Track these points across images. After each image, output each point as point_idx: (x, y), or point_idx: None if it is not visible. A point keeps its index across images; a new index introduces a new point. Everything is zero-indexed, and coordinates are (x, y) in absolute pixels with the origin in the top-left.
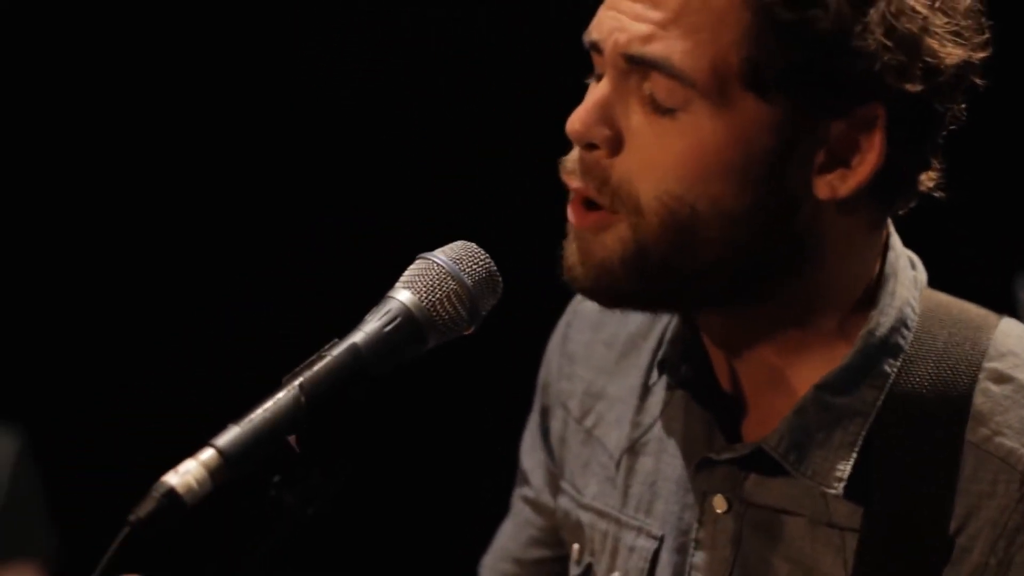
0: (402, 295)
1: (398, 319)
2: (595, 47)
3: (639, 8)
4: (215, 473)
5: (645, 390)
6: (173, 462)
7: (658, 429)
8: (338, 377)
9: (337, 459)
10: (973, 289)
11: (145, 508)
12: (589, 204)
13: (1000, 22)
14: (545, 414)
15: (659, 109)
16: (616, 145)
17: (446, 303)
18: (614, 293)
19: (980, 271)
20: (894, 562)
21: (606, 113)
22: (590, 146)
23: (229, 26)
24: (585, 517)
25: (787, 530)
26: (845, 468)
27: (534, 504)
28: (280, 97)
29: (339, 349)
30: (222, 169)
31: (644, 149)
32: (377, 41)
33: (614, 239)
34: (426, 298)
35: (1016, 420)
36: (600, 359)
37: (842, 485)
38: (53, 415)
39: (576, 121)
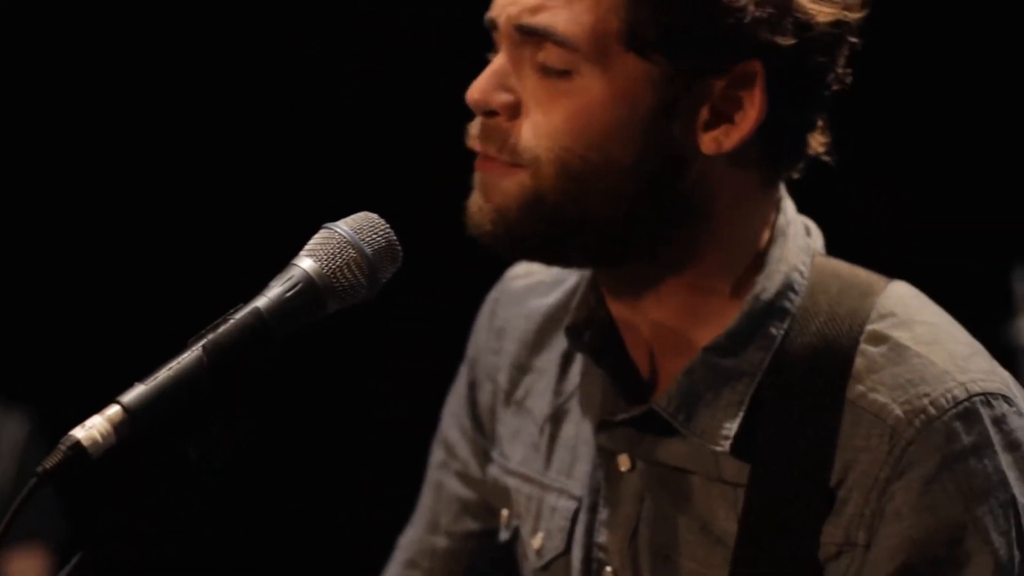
0: (304, 263)
1: (299, 285)
2: (492, 24)
3: None
4: (119, 427)
5: (566, 359)
6: None
7: (578, 395)
8: (240, 338)
9: (238, 414)
10: (972, 283)
11: (52, 460)
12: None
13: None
14: (473, 387)
15: (550, 73)
16: (514, 109)
17: (346, 270)
18: (509, 237)
19: (980, 265)
20: (778, 515)
21: (503, 81)
22: (490, 113)
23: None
24: (511, 482)
25: (685, 487)
26: (732, 427)
27: (462, 476)
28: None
29: (242, 312)
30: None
31: (539, 111)
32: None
33: (514, 184)
34: (327, 265)
35: (889, 377)
36: (524, 333)
37: (728, 443)
38: (63, 398)
39: (475, 90)
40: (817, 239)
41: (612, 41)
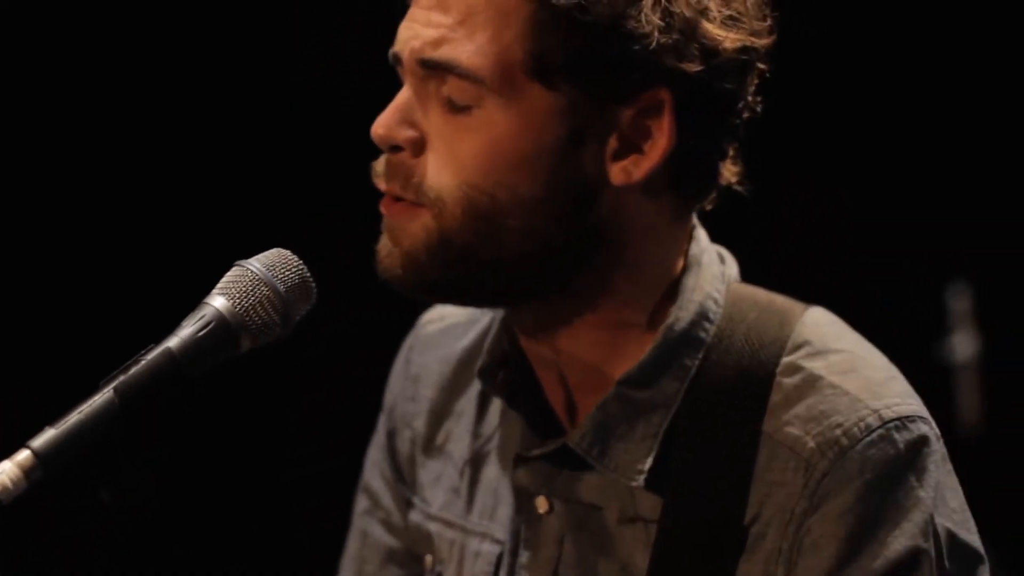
0: (217, 301)
1: (212, 324)
2: (396, 59)
3: (430, 15)
4: (29, 472)
5: (482, 401)
6: None
7: (497, 437)
8: (152, 379)
9: (152, 456)
10: (905, 301)
11: None
12: (398, 200)
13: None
14: (392, 436)
15: (456, 108)
16: (419, 145)
17: (259, 308)
18: (421, 282)
19: (914, 282)
20: (690, 553)
21: (407, 116)
22: (395, 148)
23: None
24: (433, 527)
25: (603, 526)
26: (647, 461)
27: (386, 524)
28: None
29: (153, 353)
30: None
31: (444, 146)
32: None
33: (419, 227)
34: (239, 303)
35: (803, 409)
36: (440, 377)
37: (643, 477)
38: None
39: (380, 126)
40: (732, 267)
41: (517, 72)
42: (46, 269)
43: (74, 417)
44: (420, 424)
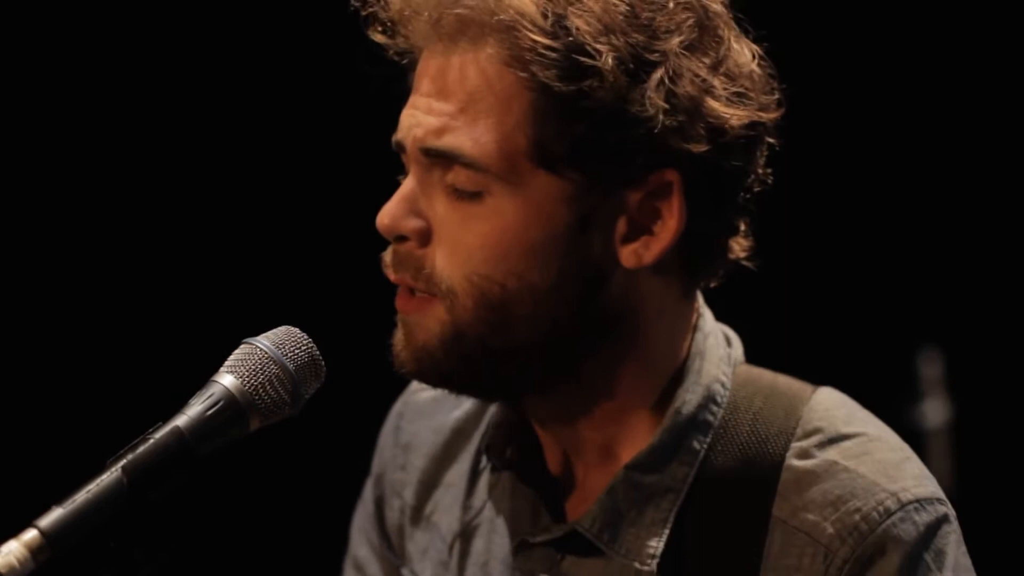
0: (225, 379)
1: (220, 402)
2: (399, 147)
3: (432, 103)
4: (36, 552)
5: (474, 474)
6: None
7: (488, 511)
8: (160, 459)
9: (159, 539)
10: (876, 366)
11: None
12: (412, 292)
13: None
14: (380, 504)
15: (461, 196)
16: (425, 235)
17: (268, 387)
18: (437, 374)
19: (885, 348)
20: None
21: (412, 206)
22: (401, 238)
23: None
24: None
25: None
26: (658, 545)
27: None
28: None
29: (161, 432)
30: None
31: (451, 236)
32: None
33: (433, 321)
34: (248, 382)
35: (819, 494)
36: (431, 447)
37: (655, 562)
38: None
39: (385, 216)
40: (737, 348)
41: (521, 159)
42: (49, 340)
43: (81, 496)
44: (409, 494)
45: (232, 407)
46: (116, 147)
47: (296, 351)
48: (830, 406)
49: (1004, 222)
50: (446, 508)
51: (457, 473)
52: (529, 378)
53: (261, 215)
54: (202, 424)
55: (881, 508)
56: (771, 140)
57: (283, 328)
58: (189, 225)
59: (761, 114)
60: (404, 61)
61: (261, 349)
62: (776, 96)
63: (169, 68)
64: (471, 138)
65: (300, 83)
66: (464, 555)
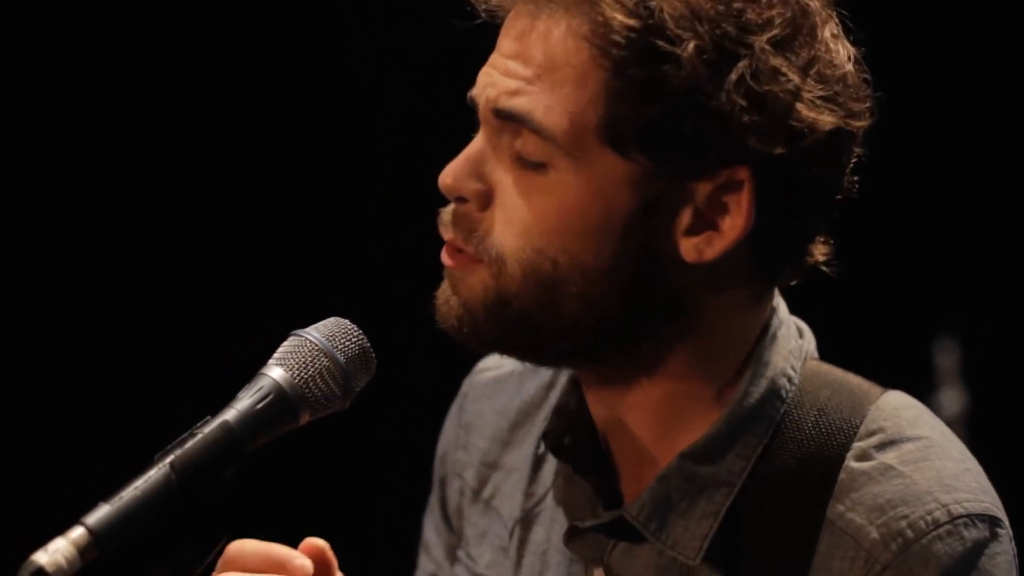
0: (275, 372)
1: (270, 396)
2: (473, 103)
3: (510, 64)
4: (84, 551)
5: (538, 460)
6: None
7: (550, 499)
8: (209, 454)
9: (209, 534)
10: (892, 357)
11: None
12: (459, 251)
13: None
14: (443, 485)
15: (526, 165)
16: (485, 199)
17: (319, 380)
18: (476, 336)
19: (900, 339)
20: None
21: (477, 168)
22: (461, 199)
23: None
24: None
25: None
26: (705, 539)
27: None
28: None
29: (210, 426)
30: None
31: (510, 204)
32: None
33: (478, 282)
34: (298, 375)
35: (869, 497)
36: (494, 428)
37: (700, 556)
38: None
39: (447, 175)
40: (809, 342)
41: (590, 136)
42: (89, 340)
43: (129, 493)
44: (470, 475)
45: (282, 400)
46: (155, 136)
47: (347, 343)
48: (898, 406)
49: (1022, 211)
50: (507, 493)
51: (519, 457)
52: (576, 355)
53: (303, 205)
54: (251, 418)
55: (929, 518)
56: (858, 150)
57: (333, 319)
58: (232, 213)
59: (849, 121)
60: (495, 19)
61: (311, 341)
62: (868, 104)
63: (199, 57)
64: (544, 105)
65: (338, 62)
66: (523, 542)
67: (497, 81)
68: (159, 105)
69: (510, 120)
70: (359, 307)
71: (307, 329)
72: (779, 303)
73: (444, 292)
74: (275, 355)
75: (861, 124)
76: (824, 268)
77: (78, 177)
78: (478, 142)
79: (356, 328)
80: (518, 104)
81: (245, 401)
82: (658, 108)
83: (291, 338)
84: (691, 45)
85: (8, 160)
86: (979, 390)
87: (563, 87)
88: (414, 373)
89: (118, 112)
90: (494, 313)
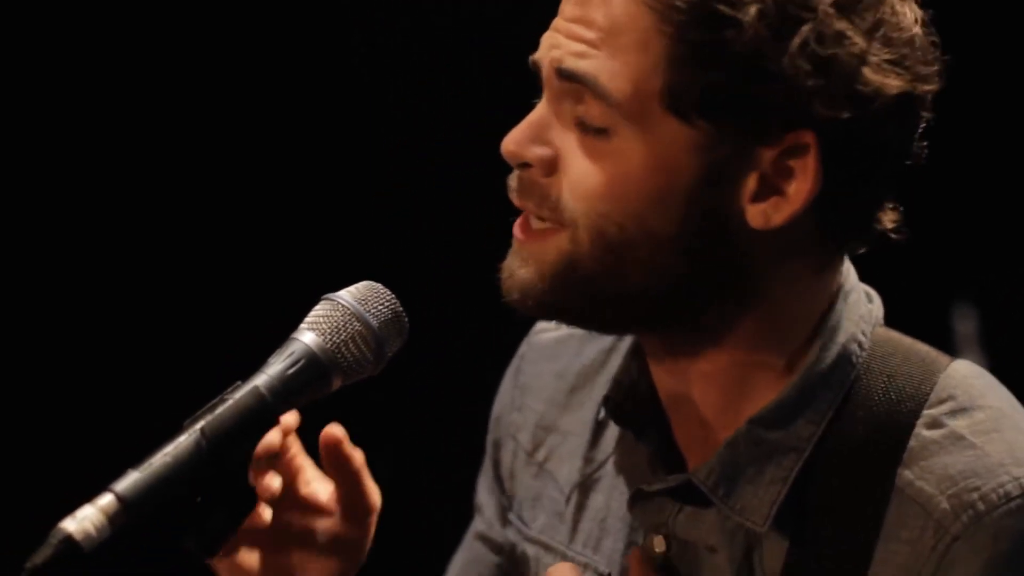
0: (306, 337)
1: (301, 361)
2: (535, 66)
3: (575, 28)
4: (114, 518)
5: (598, 425)
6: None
7: (610, 466)
8: (240, 420)
9: (240, 502)
10: (910, 323)
11: (42, 555)
12: (530, 227)
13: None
14: (497, 447)
15: (590, 131)
16: (550, 164)
17: (351, 344)
18: (544, 306)
19: (919, 303)
20: None
21: (540, 134)
22: (524, 165)
23: None
24: (531, 550)
25: (717, 570)
26: (774, 505)
27: (485, 539)
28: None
29: (241, 392)
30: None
31: (575, 170)
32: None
33: (552, 247)
34: (330, 340)
35: (939, 466)
36: (552, 391)
37: (768, 523)
38: None
39: (510, 142)
40: (878, 308)
41: (653, 102)
42: (114, 312)
43: (159, 459)
44: (525, 437)
45: (314, 366)
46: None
47: (379, 307)
48: (968, 375)
49: None
50: (564, 457)
51: (577, 422)
52: (642, 322)
53: (333, 174)
54: (283, 384)
55: (1001, 491)
56: (926, 114)
57: (365, 283)
58: (266, 182)
59: (917, 85)
60: None
61: (343, 305)
62: (936, 67)
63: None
64: (608, 70)
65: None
66: (581, 508)
67: (561, 43)
68: (159, 103)
69: (574, 81)
70: (391, 272)
71: (339, 293)
72: (849, 269)
73: (509, 266)
74: (307, 319)
75: (930, 88)
76: (893, 235)
77: (89, 161)
78: (540, 108)
79: (389, 292)
80: (583, 66)
81: (276, 366)
82: (720, 74)
83: (323, 302)
84: (753, 9)
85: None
86: (998, 356)
87: (626, 53)
88: (447, 338)
89: (119, 112)
90: (562, 277)
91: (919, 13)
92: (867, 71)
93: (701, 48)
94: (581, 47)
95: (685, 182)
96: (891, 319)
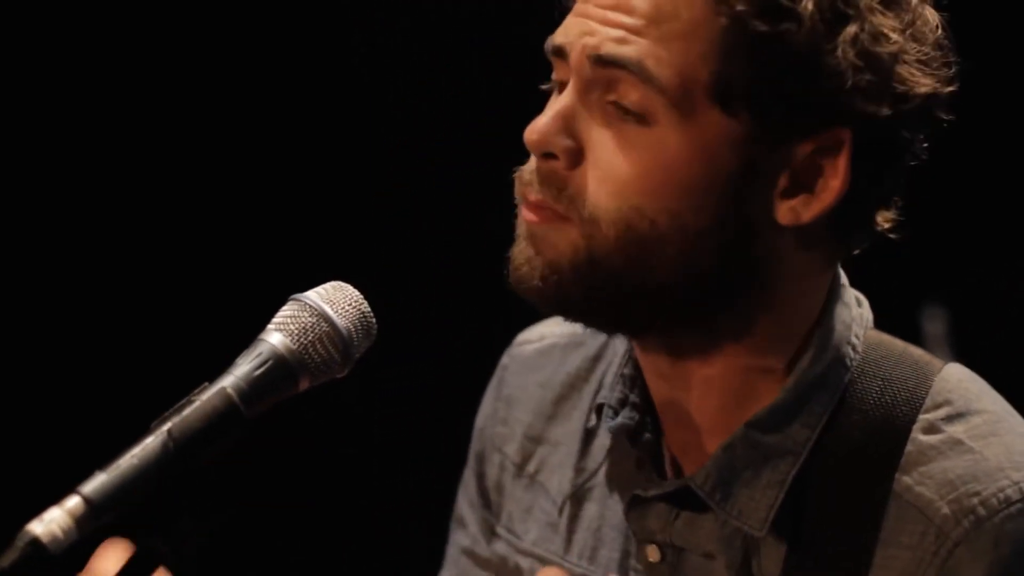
0: (274, 338)
1: (269, 362)
2: (559, 52)
3: (611, 14)
4: (81, 521)
5: (588, 434)
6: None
7: (602, 475)
8: (207, 421)
9: (209, 503)
10: (879, 323)
11: (8, 558)
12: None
13: None
14: (480, 460)
15: (625, 119)
16: (576, 156)
17: (318, 346)
18: (559, 298)
19: (887, 305)
20: None
21: (568, 123)
22: (548, 156)
23: None
24: (525, 563)
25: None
26: (771, 508)
27: (471, 554)
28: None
29: (208, 393)
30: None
31: (606, 161)
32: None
33: (566, 242)
34: (298, 341)
35: (939, 471)
36: (538, 402)
37: (766, 527)
38: None
39: (534, 131)
40: (867, 311)
41: (698, 91)
42: (85, 312)
43: (126, 461)
44: (512, 450)
45: (281, 367)
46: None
47: (347, 307)
48: (963, 379)
49: (1009, 176)
50: (554, 467)
51: (566, 431)
52: (658, 320)
53: (303, 173)
54: (250, 384)
55: (1002, 495)
56: (944, 116)
57: (332, 283)
58: (233, 178)
59: (939, 86)
60: None
61: (311, 306)
62: (953, 70)
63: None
64: (654, 55)
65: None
66: (574, 518)
67: (596, 30)
68: (148, 101)
69: (613, 67)
70: (359, 272)
71: (306, 293)
72: (841, 275)
73: (523, 252)
74: (274, 320)
75: (948, 89)
76: (890, 235)
77: (67, 153)
78: (568, 96)
79: (357, 292)
80: (627, 52)
81: (243, 367)
82: (775, 65)
83: (290, 303)
84: (811, 2)
85: None
86: (967, 357)
87: (673, 40)
88: (417, 339)
89: (120, 111)
90: (582, 274)
91: (936, 16)
92: (904, 70)
93: (759, 38)
94: (621, 33)
95: (723, 175)
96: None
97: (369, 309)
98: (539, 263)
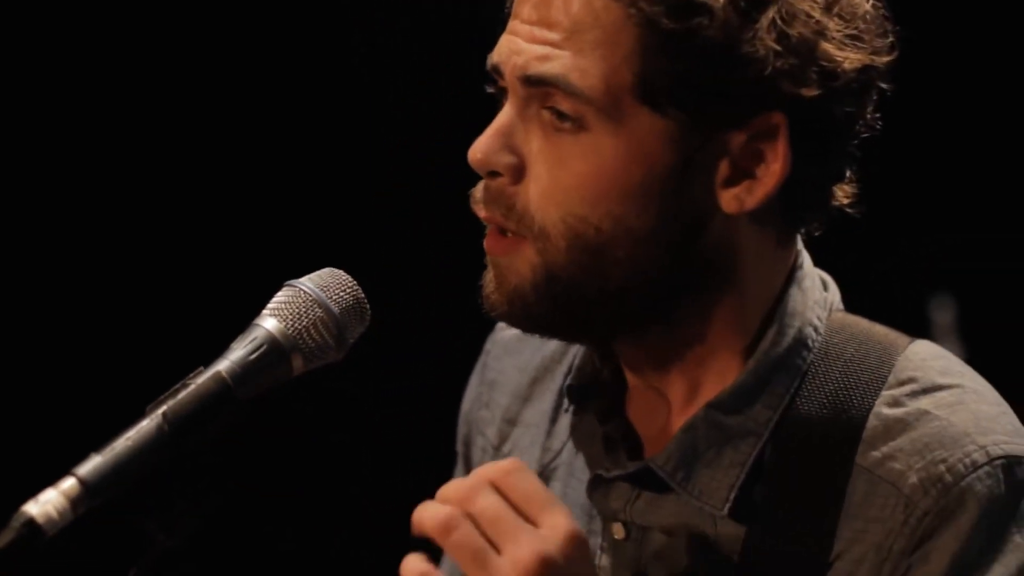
0: (268, 323)
1: (263, 347)
2: (496, 70)
3: (535, 31)
4: (76, 502)
5: (555, 415)
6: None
7: (566, 454)
8: (202, 405)
9: (203, 487)
10: (889, 311)
11: (4, 539)
12: (503, 232)
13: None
14: (467, 444)
15: (560, 130)
16: (518, 172)
17: (312, 331)
18: (529, 318)
19: (896, 294)
20: None
21: (507, 140)
22: (493, 174)
23: None
24: None
25: (679, 555)
26: (732, 488)
27: None
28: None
29: (203, 377)
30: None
31: (546, 173)
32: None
33: (524, 264)
34: (292, 326)
35: (907, 442)
36: (516, 384)
37: (728, 506)
38: None
39: (477, 150)
40: (834, 294)
41: (625, 94)
42: (87, 298)
43: (121, 443)
44: (491, 432)
45: (275, 351)
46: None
47: (341, 294)
48: (927, 356)
49: (1017, 168)
50: (524, 449)
51: (537, 413)
52: (623, 322)
53: (299, 160)
54: (244, 369)
55: (968, 460)
56: (883, 85)
57: (327, 270)
58: (231, 165)
59: (874, 58)
60: None
61: (305, 291)
62: (890, 39)
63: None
64: (577, 68)
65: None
66: None
67: (523, 48)
68: (159, 98)
69: (542, 86)
70: (353, 260)
71: (301, 279)
72: (803, 255)
73: (490, 281)
74: (269, 306)
75: (885, 59)
76: (848, 211)
77: (62, 152)
78: (506, 114)
79: (350, 279)
80: (550, 69)
81: (238, 352)
82: (693, 60)
83: (285, 288)
84: None
85: None
86: (976, 347)
87: (594, 49)
88: (411, 327)
89: (123, 109)
90: (543, 290)
91: None
92: (828, 47)
93: (673, 36)
94: (544, 49)
95: (661, 174)
96: (869, 310)
97: (363, 294)
98: (505, 290)
